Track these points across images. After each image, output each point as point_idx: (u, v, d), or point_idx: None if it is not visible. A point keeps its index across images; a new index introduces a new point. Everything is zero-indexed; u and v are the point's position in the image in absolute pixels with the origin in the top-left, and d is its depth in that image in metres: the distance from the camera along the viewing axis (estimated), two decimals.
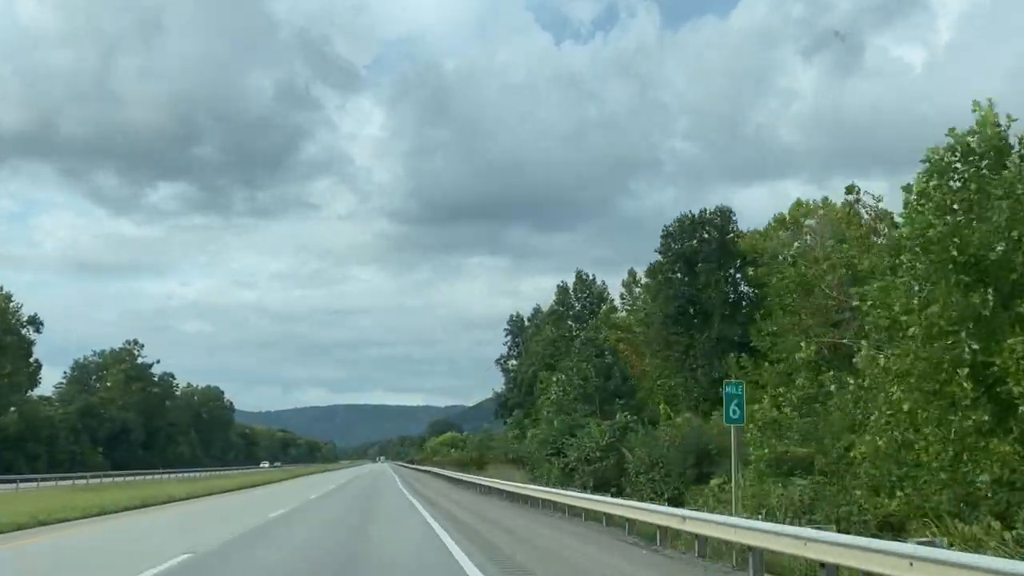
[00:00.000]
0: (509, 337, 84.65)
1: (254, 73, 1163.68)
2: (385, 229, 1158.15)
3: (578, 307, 61.99)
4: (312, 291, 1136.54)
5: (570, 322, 62.78)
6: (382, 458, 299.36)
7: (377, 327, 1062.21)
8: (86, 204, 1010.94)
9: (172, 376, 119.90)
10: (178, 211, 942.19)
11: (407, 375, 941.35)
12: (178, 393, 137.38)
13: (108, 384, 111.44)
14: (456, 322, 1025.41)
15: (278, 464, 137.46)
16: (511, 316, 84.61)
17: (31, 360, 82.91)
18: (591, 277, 62.40)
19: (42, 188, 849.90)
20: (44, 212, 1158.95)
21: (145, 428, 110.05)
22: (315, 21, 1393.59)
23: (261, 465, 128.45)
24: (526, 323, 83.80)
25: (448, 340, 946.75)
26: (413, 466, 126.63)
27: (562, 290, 62.54)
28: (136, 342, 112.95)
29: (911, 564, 8.10)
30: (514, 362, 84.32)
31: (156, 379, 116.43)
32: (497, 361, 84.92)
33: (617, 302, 53.43)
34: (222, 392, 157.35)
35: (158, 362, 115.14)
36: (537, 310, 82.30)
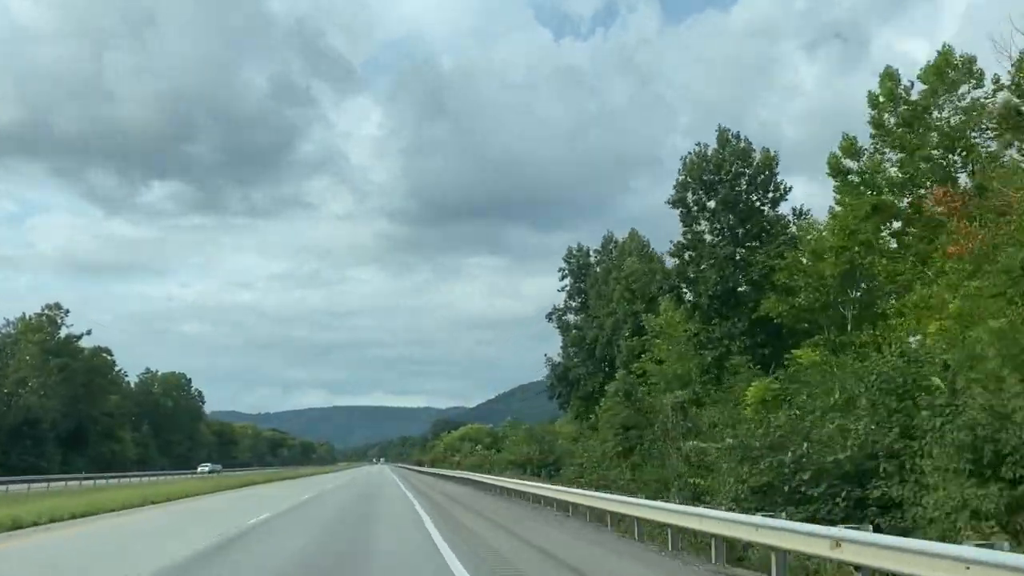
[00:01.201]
0: (567, 280, 57.88)
1: (248, 70, 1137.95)
2: (384, 229, 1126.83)
3: (722, 192, 34.74)
4: (311, 292, 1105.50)
5: (704, 223, 35.59)
6: (382, 460, 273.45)
7: (377, 328, 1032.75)
8: (82, 204, 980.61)
9: (108, 353, 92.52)
10: (174, 211, 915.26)
11: (407, 377, 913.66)
12: (127, 377, 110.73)
13: (27, 359, 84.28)
14: (456, 323, 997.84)
15: (219, 468, 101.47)
16: (569, 250, 57.82)
17: None
18: (741, 137, 35.33)
19: (36, 187, 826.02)
20: (40, 212, 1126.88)
21: (69, 420, 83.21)
22: (312, 17, 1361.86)
23: (200, 469, 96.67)
24: (592, 258, 57.08)
25: (448, 341, 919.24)
26: (422, 469, 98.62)
27: (694, 164, 35.27)
28: (58, 306, 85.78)
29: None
30: (574, 316, 57.65)
31: (90, 356, 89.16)
32: (550, 316, 58.24)
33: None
34: (188, 379, 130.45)
35: (88, 333, 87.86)
36: (608, 239, 55.76)
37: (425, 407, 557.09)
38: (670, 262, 36.41)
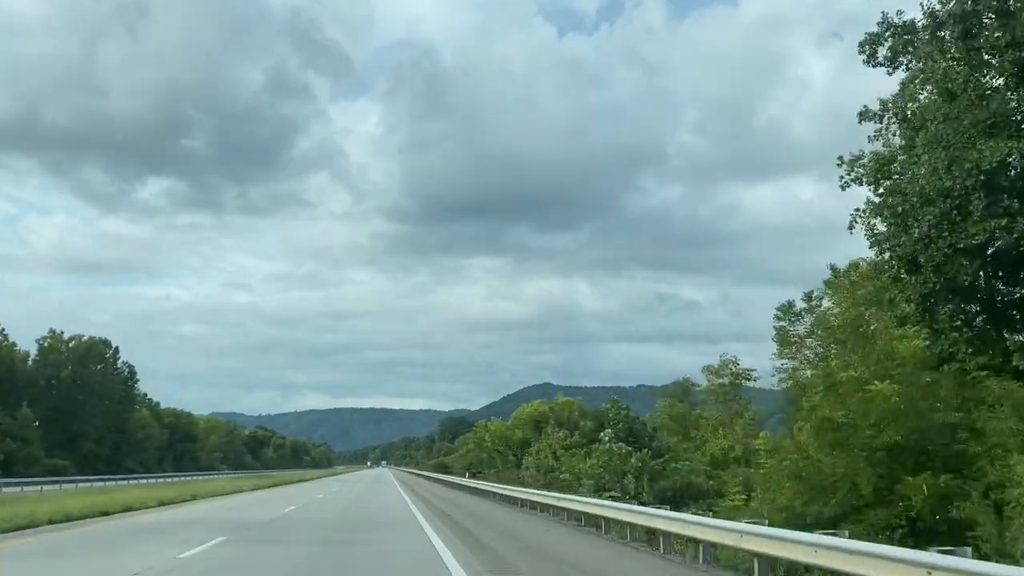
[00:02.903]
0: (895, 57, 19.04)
1: (243, 64, 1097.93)
2: (382, 229, 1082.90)
3: None
4: (309, 293, 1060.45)
5: None
6: (382, 463, 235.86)
7: (377, 330, 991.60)
8: (76, 201, 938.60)
9: None
10: (168, 209, 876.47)
11: (408, 379, 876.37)
12: (9, 341, 73.41)
13: None
14: (456, 325, 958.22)
15: None
16: (885, 17, 18.98)
17: None
18: None
19: (28, 185, 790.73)
20: (32, 210, 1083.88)
21: None
22: (309, 10, 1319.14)
23: None
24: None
25: (449, 343, 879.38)
26: (460, 481, 57.46)
27: None
28: None
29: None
30: (887, 141, 19.08)
31: None
32: (866, 115, 19.59)
33: None
34: (114, 348, 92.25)
35: None
36: None
37: (426, 409, 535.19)
38: None
